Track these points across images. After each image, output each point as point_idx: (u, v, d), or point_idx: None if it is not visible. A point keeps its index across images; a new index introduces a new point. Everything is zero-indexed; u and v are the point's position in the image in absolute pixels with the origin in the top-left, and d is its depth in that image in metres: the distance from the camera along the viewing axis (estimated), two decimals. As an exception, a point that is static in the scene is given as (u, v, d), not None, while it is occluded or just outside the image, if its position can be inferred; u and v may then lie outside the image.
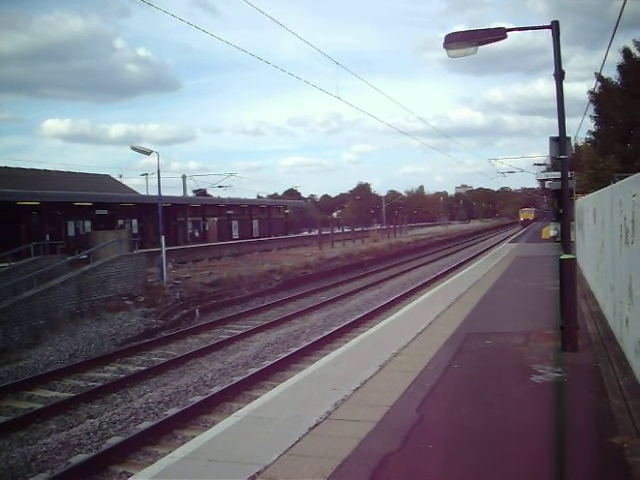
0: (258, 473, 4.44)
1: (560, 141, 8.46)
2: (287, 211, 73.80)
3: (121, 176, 61.44)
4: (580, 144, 43.41)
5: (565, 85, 8.48)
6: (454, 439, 5.14)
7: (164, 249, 23.69)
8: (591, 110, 39.51)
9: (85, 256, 22.43)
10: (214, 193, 68.98)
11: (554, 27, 8.26)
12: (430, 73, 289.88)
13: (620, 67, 37.65)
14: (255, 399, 7.09)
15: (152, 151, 24.57)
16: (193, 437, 6.26)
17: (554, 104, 8.38)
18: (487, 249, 43.90)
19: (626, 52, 36.80)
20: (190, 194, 63.48)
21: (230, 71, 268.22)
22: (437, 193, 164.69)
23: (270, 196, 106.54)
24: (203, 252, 37.81)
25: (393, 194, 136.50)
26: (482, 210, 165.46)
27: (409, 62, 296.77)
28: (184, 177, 63.75)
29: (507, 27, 8.39)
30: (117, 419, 9.74)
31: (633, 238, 6.34)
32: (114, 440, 8.80)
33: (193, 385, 11.46)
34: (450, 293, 14.74)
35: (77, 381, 12.59)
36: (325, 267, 32.24)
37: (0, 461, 8.31)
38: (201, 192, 66.71)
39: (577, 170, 33.70)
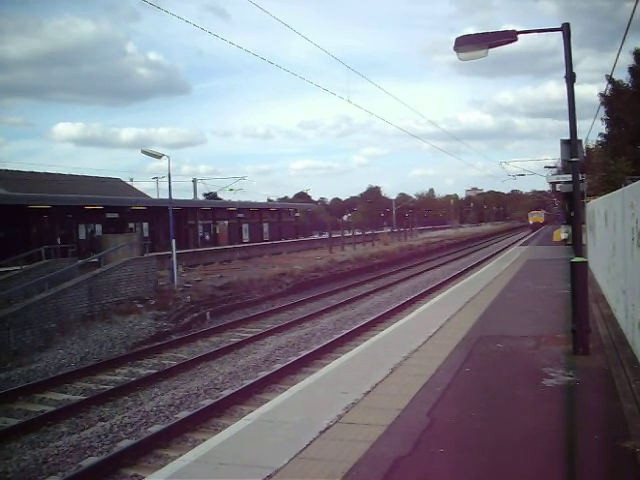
0: (269, 477, 4.44)
1: (571, 144, 8.42)
2: (297, 214, 73.79)
3: (132, 179, 61.98)
4: (591, 146, 43.34)
5: (576, 87, 8.45)
6: (465, 443, 5.12)
7: (175, 252, 23.79)
8: (602, 112, 39.48)
9: (96, 259, 22.55)
10: (224, 196, 69.28)
11: (565, 29, 8.23)
12: (440, 76, 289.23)
13: (631, 69, 37.54)
14: (266, 402, 7.09)
15: (163, 155, 24.65)
16: (204, 440, 6.26)
17: (565, 106, 8.35)
18: (498, 252, 43.72)
19: (637, 54, 36.72)
20: (201, 197, 63.85)
21: (240, 74, 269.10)
22: (447, 196, 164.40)
23: (280, 199, 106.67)
24: (213, 255, 37.93)
25: (403, 197, 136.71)
26: (493, 213, 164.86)
27: (418, 65, 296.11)
28: (195, 180, 64.16)
29: (518, 29, 8.37)
30: (128, 422, 9.77)
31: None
32: (125, 443, 8.83)
33: (204, 388, 11.48)
34: (461, 296, 14.70)
35: (88, 384, 12.64)
36: (336, 270, 32.22)
37: (12, 464, 8.36)
38: (212, 195, 66.98)
39: (588, 173, 33.60)
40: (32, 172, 44.63)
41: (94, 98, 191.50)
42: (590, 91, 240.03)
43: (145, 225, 44.60)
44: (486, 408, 6.01)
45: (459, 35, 8.52)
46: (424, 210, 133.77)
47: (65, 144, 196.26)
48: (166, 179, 25.50)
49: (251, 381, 11.50)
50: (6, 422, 10.35)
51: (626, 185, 9.88)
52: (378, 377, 7.20)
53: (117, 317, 18.24)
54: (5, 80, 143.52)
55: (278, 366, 12.62)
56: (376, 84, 27.09)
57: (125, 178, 61.54)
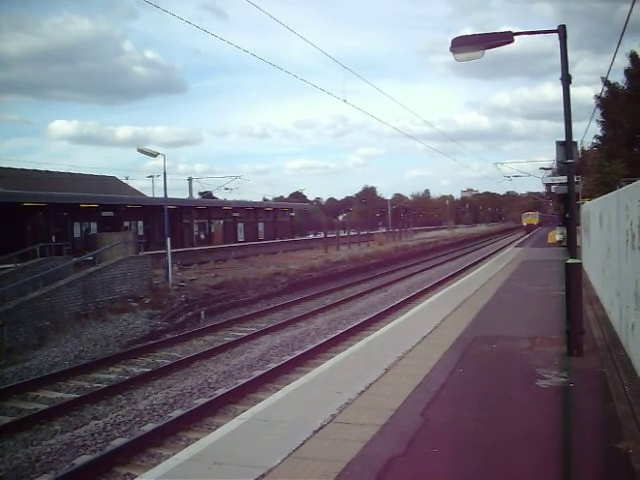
0: (262, 476, 4.44)
1: (567, 145, 8.44)
2: (293, 214, 73.82)
3: (127, 178, 61.94)
4: (587, 148, 43.34)
5: (572, 89, 8.46)
6: (459, 443, 5.12)
7: (170, 251, 23.74)
8: (598, 114, 39.43)
9: (91, 258, 22.50)
10: (220, 195, 69.29)
11: (561, 31, 8.24)
12: (436, 76, 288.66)
13: (627, 71, 37.56)
14: (260, 402, 7.09)
15: (158, 153, 24.69)
16: (197, 439, 6.25)
17: (561, 108, 8.36)
18: (493, 253, 43.80)
19: (633, 56, 36.71)
20: (196, 196, 63.69)
21: (237, 74, 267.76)
22: (443, 197, 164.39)
23: (276, 199, 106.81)
24: (208, 254, 37.88)
25: (399, 197, 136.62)
26: (488, 214, 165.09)
27: (415, 65, 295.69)
28: (190, 179, 64.15)
29: (514, 31, 8.38)
30: (121, 420, 9.75)
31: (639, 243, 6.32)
32: (118, 441, 8.80)
33: (198, 387, 11.46)
34: (456, 296, 14.73)
35: (82, 382, 12.61)
36: (331, 270, 32.24)
37: (5, 462, 8.33)
38: (207, 194, 66.81)
39: (583, 174, 33.65)
40: (27, 169, 44.58)
41: (91, 96, 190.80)
42: (586, 93, 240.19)
43: (140, 223, 44.53)
44: (480, 409, 6.01)
45: (456, 36, 8.54)
46: (419, 211, 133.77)
47: (61, 142, 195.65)
48: (162, 178, 25.55)
49: (245, 380, 11.49)
50: (-1, 420, 10.32)
51: (621, 187, 9.89)
52: (372, 377, 7.20)
53: (111, 315, 18.21)
54: (3, 77, 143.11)
55: (272, 365, 12.61)
56: (372, 84, 27.13)
57: (121, 176, 61.39)
